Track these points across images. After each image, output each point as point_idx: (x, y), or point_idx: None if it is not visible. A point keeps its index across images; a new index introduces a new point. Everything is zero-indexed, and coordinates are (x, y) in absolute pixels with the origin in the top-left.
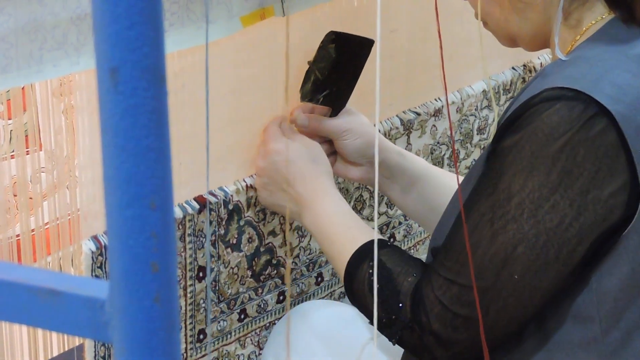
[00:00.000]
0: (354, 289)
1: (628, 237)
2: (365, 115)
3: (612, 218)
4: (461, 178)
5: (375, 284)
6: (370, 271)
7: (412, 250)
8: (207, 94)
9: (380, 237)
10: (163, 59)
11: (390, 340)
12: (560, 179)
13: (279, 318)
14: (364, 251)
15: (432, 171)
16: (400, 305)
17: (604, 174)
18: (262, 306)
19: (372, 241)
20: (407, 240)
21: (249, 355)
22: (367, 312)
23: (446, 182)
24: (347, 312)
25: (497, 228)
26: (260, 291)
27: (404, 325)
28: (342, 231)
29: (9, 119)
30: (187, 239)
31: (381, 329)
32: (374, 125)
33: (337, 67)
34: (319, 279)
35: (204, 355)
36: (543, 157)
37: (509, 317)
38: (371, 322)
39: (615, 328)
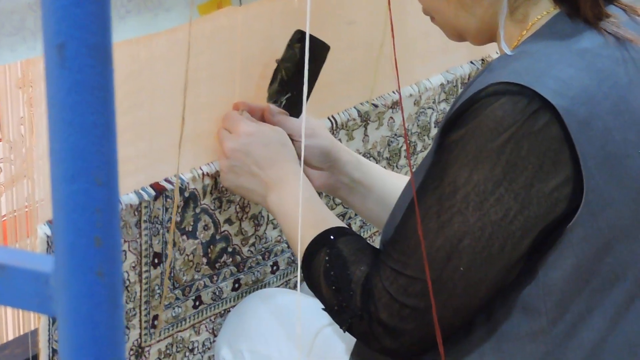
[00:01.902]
0: (311, 274)
1: (572, 231)
2: (321, 106)
3: (556, 211)
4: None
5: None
6: (327, 258)
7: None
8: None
9: (342, 225)
10: (110, 36)
11: (340, 327)
12: (504, 173)
13: (234, 306)
14: (323, 238)
15: (389, 175)
16: (351, 293)
17: (547, 167)
18: (217, 293)
19: (332, 228)
20: (363, 231)
21: (203, 342)
22: (321, 297)
23: (403, 185)
24: (302, 300)
25: (444, 221)
26: (215, 278)
27: (354, 314)
28: (306, 215)
29: None
30: (143, 225)
31: (333, 316)
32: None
33: (301, 69)
34: (275, 267)
35: (158, 341)
36: (488, 151)
37: (455, 309)
38: (324, 308)
39: (561, 320)
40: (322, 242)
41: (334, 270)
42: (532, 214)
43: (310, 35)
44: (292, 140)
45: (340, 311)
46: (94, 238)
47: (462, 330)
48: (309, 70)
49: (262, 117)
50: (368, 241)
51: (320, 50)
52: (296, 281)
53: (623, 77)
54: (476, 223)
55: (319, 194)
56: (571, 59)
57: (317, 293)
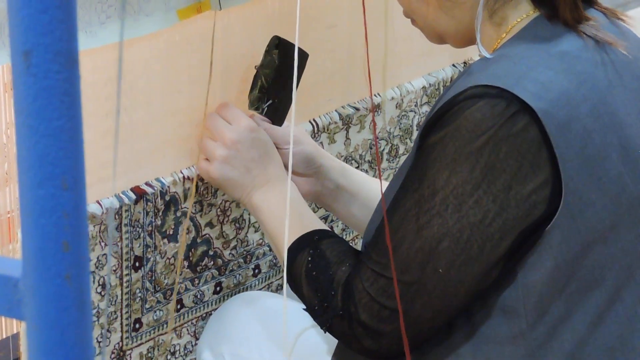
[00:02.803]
0: (293, 273)
1: (551, 233)
2: (302, 110)
3: (535, 213)
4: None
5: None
6: (309, 258)
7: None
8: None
9: (326, 228)
10: (76, 42)
11: (321, 328)
12: (483, 175)
13: (215, 309)
14: (307, 238)
15: (373, 181)
16: (333, 293)
17: (526, 170)
18: (198, 297)
19: (317, 230)
20: (345, 234)
21: (185, 345)
22: (302, 297)
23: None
24: (283, 303)
25: (422, 223)
26: (196, 282)
27: (335, 314)
28: (291, 217)
29: None
30: (124, 228)
31: (314, 316)
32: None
33: (280, 76)
34: (256, 270)
35: (139, 345)
36: (466, 153)
37: (434, 311)
38: (305, 308)
39: (540, 322)
40: (305, 242)
41: (315, 271)
42: (510, 216)
43: (289, 43)
44: (277, 148)
45: (321, 311)
46: (61, 242)
47: (442, 332)
48: (288, 77)
49: None
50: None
51: (299, 57)
52: (278, 284)
53: (602, 80)
54: (455, 225)
55: None
56: (550, 62)
57: (299, 293)
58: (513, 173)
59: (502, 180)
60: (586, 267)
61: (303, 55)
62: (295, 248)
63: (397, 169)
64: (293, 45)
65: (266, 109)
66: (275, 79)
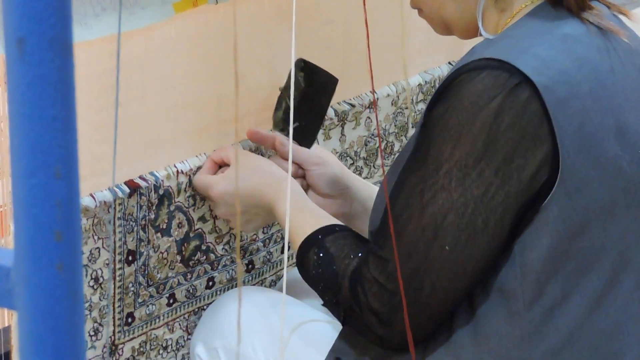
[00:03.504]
0: (306, 276)
1: (547, 209)
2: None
3: (535, 187)
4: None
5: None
6: (315, 257)
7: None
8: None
9: (334, 222)
10: (70, 30)
11: (339, 320)
12: (485, 147)
13: (208, 304)
14: (312, 238)
15: None
16: (339, 287)
17: (527, 143)
18: (191, 291)
19: (322, 227)
20: None
21: (177, 340)
22: (317, 292)
23: None
24: (277, 298)
25: (428, 199)
26: (189, 276)
27: (345, 307)
28: (303, 220)
29: None
30: (117, 222)
31: (330, 310)
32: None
33: (306, 98)
34: (250, 266)
35: (132, 339)
36: (469, 125)
37: (443, 291)
38: (322, 304)
39: (537, 303)
40: (310, 243)
41: (322, 268)
42: (512, 190)
43: (315, 66)
44: (303, 169)
45: (333, 306)
46: (54, 232)
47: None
48: (316, 103)
49: (273, 145)
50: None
51: (327, 82)
52: (271, 280)
53: (603, 65)
54: (459, 199)
55: None
56: (552, 42)
57: (315, 290)
58: (515, 145)
59: (503, 152)
60: (583, 248)
61: (332, 81)
62: (303, 249)
63: (397, 154)
64: (319, 69)
65: (292, 131)
66: (301, 102)
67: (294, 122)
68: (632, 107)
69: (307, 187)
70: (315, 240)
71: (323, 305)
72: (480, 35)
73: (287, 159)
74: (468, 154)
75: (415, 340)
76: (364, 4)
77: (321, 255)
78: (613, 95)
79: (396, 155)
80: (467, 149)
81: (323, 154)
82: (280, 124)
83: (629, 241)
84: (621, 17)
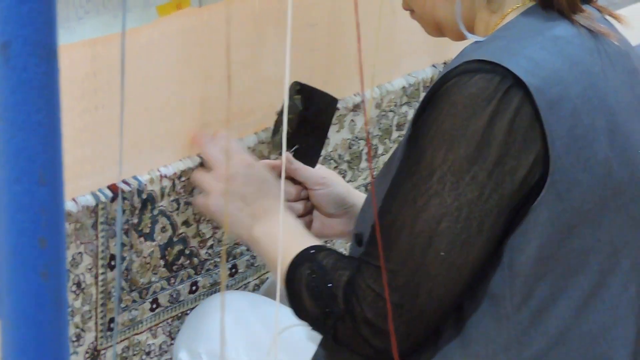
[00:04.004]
0: (293, 289)
1: (537, 210)
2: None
3: (526, 189)
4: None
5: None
6: (309, 271)
7: (328, 243)
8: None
9: (321, 244)
10: (55, 34)
11: (326, 336)
12: (479, 151)
13: (191, 308)
14: (304, 254)
15: None
16: (333, 296)
17: (519, 144)
18: (174, 296)
19: (313, 246)
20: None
21: (160, 345)
22: (304, 311)
23: None
24: (260, 303)
25: (421, 205)
26: (172, 281)
27: (337, 316)
28: (290, 242)
29: None
30: (100, 227)
31: (318, 327)
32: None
33: (305, 121)
34: (233, 270)
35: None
36: (463, 129)
37: (439, 297)
38: (310, 324)
39: (525, 306)
40: (303, 257)
41: (315, 281)
42: (506, 192)
43: (311, 88)
44: (307, 189)
45: (324, 318)
46: (38, 239)
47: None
48: (317, 124)
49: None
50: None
51: (326, 103)
52: (255, 284)
53: (594, 66)
54: (453, 203)
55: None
56: (544, 43)
57: (299, 307)
58: (507, 148)
59: (496, 155)
60: (571, 250)
61: (332, 101)
62: (294, 264)
63: (376, 170)
64: (316, 90)
65: (292, 153)
66: (300, 124)
67: (294, 145)
68: (622, 109)
69: (311, 207)
70: (308, 255)
71: (310, 326)
72: (465, 38)
73: (294, 177)
74: (462, 158)
75: (411, 348)
76: (356, 7)
77: (315, 269)
78: (604, 97)
79: (385, 160)
80: (460, 153)
81: (327, 174)
82: (279, 148)
83: (617, 243)
84: (612, 20)
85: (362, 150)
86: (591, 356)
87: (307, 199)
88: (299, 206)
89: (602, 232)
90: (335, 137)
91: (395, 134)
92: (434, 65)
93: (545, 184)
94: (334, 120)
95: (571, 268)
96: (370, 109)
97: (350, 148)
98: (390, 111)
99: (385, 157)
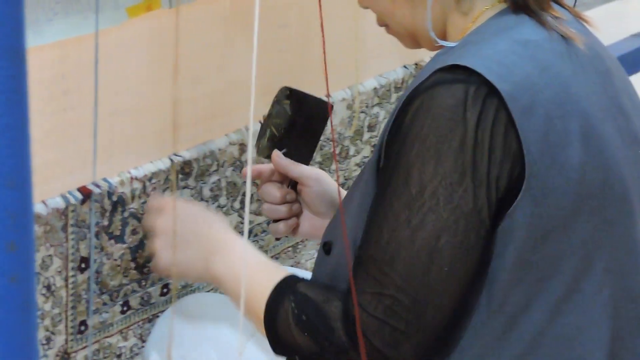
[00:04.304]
0: (278, 329)
1: (512, 217)
2: (254, 110)
3: (507, 196)
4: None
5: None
6: (293, 305)
7: (299, 246)
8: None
9: (291, 272)
10: (23, 37)
11: None
12: (468, 162)
13: (163, 311)
14: (282, 287)
15: None
16: (333, 330)
17: (499, 152)
18: (145, 299)
19: (288, 277)
20: (287, 240)
21: (131, 348)
22: (297, 349)
23: None
24: (232, 305)
25: (416, 224)
26: (143, 283)
27: (340, 349)
28: (258, 271)
29: None
30: (70, 229)
31: None
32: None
33: (295, 126)
34: None
35: (84, 347)
36: (448, 141)
37: (445, 311)
38: (290, 354)
39: (500, 312)
40: (282, 292)
41: (305, 315)
42: (493, 200)
43: (306, 95)
44: (300, 185)
45: (324, 351)
46: (8, 243)
47: None
48: (308, 129)
49: (273, 172)
50: (298, 250)
51: (318, 109)
52: None
53: (566, 70)
54: (450, 217)
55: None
56: (514, 48)
57: (290, 347)
58: (490, 156)
59: (484, 164)
60: (546, 255)
61: (324, 106)
62: (274, 302)
63: (346, 171)
64: (308, 96)
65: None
66: (288, 129)
67: (282, 149)
68: (595, 112)
69: (297, 210)
70: (287, 288)
71: None
72: (437, 44)
73: (287, 173)
74: (452, 171)
75: None
76: (320, 8)
77: (300, 302)
78: (577, 101)
79: (357, 161)
80: (450, 166)
81: (319, 173)
82: (266, 151)
83: (590, 247)
84: (581, 21)
85: (332, 151)
86: (567, 359)
87: (292, 202)
88: (283, 209)
89: (576, 236)
90: None
91: (366, 135)
92: (405, 66)
93: (521, 190)
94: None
95: (545, 273)
96: (342, 110)
97: (321, 149)
98: (362, 112)
99: (357, 159)
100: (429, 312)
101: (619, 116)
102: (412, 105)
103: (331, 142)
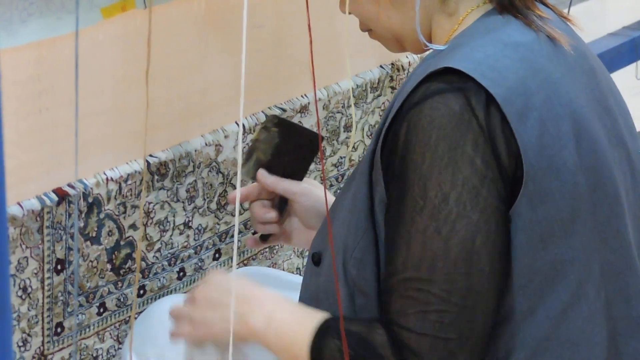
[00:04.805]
0: None
1: (511, 221)
2: (228, 110)
3: (512, 199)
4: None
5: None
6: (338, 341)
7: (276, 247)
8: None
9: (327, 314)
10: None
11: None
12: (485, 164)
13: (139, 312)
14: (322, 328)
15: None
16: (382, 357)
17: (505, 155)
18: (121, 300)
19: (328, 318)
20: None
21: (107, 349)
22: None
23: None
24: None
25: (447, 232)
26: (120, 285)
27: None
28: (295, 316)
29: None
30: (45, 231)
31: None
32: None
33: (283, 153)
34: (181, 273)
35: (61, 349)
36: (461, 147)
37: (493, 311)
38: None
39: (505, 319)
40: (323, 333)
41: (353, 350)
42: (505, 200)
43: (295, 126)
44: (288, 200)
45: None
46: None
47: None
48: (297, 157)
49: (260, 192)
50: (291, 251)
51: (308, 140)
52: None
53: (555, 72)
54: (480, 219)
55: (223, 181)
56: (506, 51)
57: None
58: (500, 158)
59: (495, 165)
60: (548, 261)
61: (314, 138)
62: (318, 343)
63: (332, 177)
64: (297, 127)
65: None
66: (274, 155)
67: (271, 173)
68: (585, 113)
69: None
70: (328, 328)
71: None
72: (426, 47)
73: (274, 190)
74: (472, 174)
75: None
76: (307, 8)
77: (345, 337)
78: (567, 103)
79: (334, 162)
80: (469, 171)
81: (308, 184)
82: (252, 173)
83: (591, 251)
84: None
85: None
86: None
87: (281, 219)
88: (272, 228)
89: (576, 241)
90: None
91: (343, 135)
92: (381, 66)
93: (519, 195)
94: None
95: (549, 278)
96: (318, 110)
97: None
98: (338, 112)
99: (333, 159)
100: (478, 315)
101: (605, 116)
102: (410, 117)
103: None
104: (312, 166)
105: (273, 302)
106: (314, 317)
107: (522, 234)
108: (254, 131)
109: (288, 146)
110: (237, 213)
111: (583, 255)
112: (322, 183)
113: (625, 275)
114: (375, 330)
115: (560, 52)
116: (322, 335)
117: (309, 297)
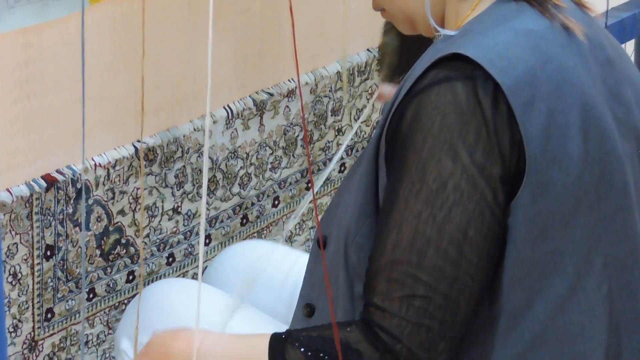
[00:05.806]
0: None
1: (512, 212)
2: (216, 96)
3: (513, 190)
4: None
5: None
6: (297, 344)
7: (264, 232)
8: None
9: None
10: None
11: None
12: (485, 154)
13: (129, 298)
14: (274, 342)
15: None
16: (359, 351)
17: (506, 145)
18: (111, 285)
19: (279, 332)
20: (260, 221)
21: (97, 335)
22: None
23: None
24: (204, 290)
25: (442, 218)
26: (109, 270)
27: None
28: (241, 340)
29: None
30: (35, 217)
31: None
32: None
33: (406, 52)
34: (170, 259)
35: (52, 335)
36: (463, 136)
37: (476, 301)
38: None
39: (502, 311)
40: (277, 345)
41: (323, 353)
42: (504, 193)
43: None
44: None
45: None
46: None
47: None
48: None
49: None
50: (263, 233)
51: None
52: (193, 273)
53: (568, 61)
54: (475, 209)
55: (212, 166)
56: (517, 39)
57: None
58: (503, 149)
59: (494, 155)
60: (547, 252)
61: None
62: (275, 355)
63: (320, 161)
64: None
65: (401, 80)
66: (401, 55)
67: (400, 74)
68: (596, 104)
69: None
70: (281, 340)
71: None
72: (437, 32)
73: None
74: (471, 163)
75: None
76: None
77: (307, 343)
78: (579, 94)
79: (321, 145)
80: (468, 160)
81: None
82: (388, 78)
83: (590, 243)
84: (585, 9)
85: (297, 136)
86: (568, 357)
87: None
88: None
89: (577, 233)
90: (271, 124)
91: (330, 119)
92: (368, 50)
93: (521, 186)
94: (268, 106)
95: (546, 271)
96: (305, 95)
97: (285, 134)
98: (325, 96)
99: (320, 143)
100: (461, 305)
101: (618, 107)
102: (417, 101)
103: (295, 127)
104: (299, 150)
105: (216, 337)
106: (263, 337)
107: (523, 225)
108: (240, 116)
109: (411, 45)
110: (202, 220)
111: (583, 247)
112: (307, 168)
113: (632, 269)
114: (345, 328)
115: (574, 42)
116: (276, 348)
117: (314, 282)
